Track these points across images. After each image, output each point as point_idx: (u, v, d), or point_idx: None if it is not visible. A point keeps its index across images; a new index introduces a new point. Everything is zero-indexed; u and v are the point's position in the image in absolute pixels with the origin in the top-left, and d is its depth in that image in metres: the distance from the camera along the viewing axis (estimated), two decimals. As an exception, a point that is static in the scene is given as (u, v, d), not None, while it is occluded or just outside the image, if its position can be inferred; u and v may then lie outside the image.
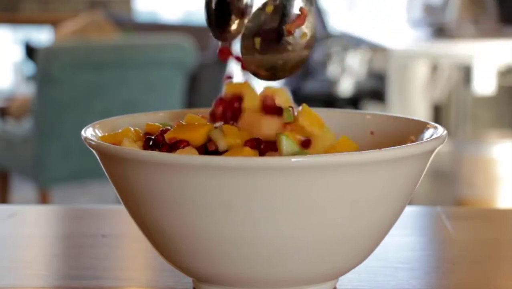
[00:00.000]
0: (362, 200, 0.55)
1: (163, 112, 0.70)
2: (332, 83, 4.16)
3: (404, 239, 0.77)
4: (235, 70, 0.64)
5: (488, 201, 3.15)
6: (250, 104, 0.62)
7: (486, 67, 3.27)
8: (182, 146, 0.59)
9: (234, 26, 0.64)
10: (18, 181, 3.49)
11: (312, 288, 0.59)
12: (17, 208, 0.93)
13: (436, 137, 0.59)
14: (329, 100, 4.10)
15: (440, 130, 0.61)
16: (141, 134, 0.63)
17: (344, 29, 4.51)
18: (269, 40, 0.63)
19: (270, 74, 0.63)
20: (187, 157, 0.55)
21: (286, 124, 0.61)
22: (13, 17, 5.50)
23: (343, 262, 0.59)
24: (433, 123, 0.64)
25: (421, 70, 3.65)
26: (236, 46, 0.63)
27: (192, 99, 3.26)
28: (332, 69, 4.16)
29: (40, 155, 2.75)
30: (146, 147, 0.61)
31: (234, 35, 0.64)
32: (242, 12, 0.64)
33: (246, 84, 0.63)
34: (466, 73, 3.44)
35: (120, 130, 0.63)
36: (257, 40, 0.63)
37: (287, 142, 0.59)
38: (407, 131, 0.65)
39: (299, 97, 4.50)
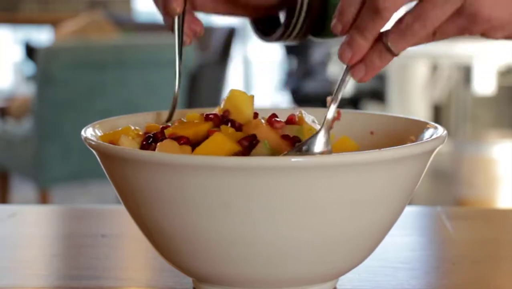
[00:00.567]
0: (362, 200, 0.55)
1: (163, 112, 0.70)
2: (332, 83, 4.16)
3: (404, 239, 0.77)
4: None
5: (488, 201, 3.15)
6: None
7: (486, 67, 3.27)
8: (182, 142, 0.59)
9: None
10: (18, 181, 3.49)
11: (312, 288, 0.59)
12: (17, 208, 0.92)
13: (436, 138, 0.59)
14: (329, 100, 4.09)
15: (440, 130, 0.61)
16: (141, 134, 0.63)
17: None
18: None
19: None
20: (187, 157, 0.55)
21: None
22: (13, 17, 5.50)
23: (343, 262, 0.59)
24: (433, 123, 0.64)
25: (421, 70, 3.65)
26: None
27: (192, 99, 3.26)
28: (332, 69, 4.16)
29: (40, 155, 2.75)
30: (145, 144, 0.61)
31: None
32: None
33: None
34: (466, 73, 3.44)
35: (119, 129, 0.63)
36: None
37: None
38: (407, 132, 0.65)
39: (299, 97, 4.50)
